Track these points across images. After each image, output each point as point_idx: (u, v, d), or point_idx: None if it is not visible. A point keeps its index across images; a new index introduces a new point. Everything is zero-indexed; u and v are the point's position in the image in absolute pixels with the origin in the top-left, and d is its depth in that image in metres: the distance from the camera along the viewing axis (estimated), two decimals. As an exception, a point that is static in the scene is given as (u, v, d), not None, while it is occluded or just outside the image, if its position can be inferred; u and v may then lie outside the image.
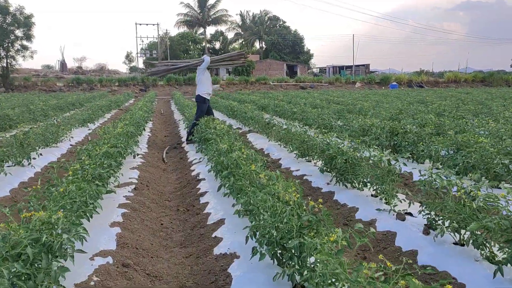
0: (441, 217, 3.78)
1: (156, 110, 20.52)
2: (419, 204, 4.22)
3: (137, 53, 58.91)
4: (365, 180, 5.09)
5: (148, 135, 11.13)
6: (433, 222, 3.88)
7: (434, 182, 3.96)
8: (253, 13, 79.81)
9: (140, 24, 47.45)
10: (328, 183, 5.83)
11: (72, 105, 18.10)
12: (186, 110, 13.30)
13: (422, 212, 3.98)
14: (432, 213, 3.89)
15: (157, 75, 10.92)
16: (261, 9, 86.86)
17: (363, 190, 5.21)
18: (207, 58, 9.45)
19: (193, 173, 6.84)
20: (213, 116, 9.92)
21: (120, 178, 5.87)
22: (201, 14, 64.93)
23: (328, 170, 6.05)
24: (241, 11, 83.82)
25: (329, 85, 38.87)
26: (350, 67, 61.41)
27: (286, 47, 74.38)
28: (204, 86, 9.47)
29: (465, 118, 9.93)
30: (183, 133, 11.31)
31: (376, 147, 7.96)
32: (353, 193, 5.27)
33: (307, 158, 7.36)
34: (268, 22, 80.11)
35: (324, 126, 10.44)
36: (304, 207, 3.11)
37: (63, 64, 60.21)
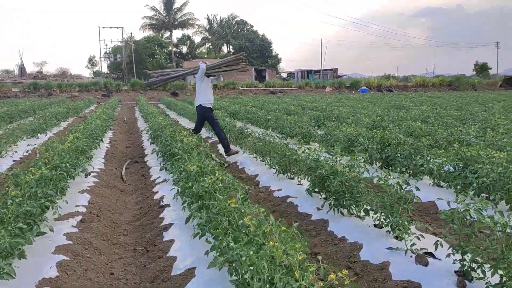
0: (481, 264, 2.89)
1: (119, 117, 19.16)
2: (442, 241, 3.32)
3: (100, 57, 56.75)
4: (367, 207, 4.16)
5: (107, 147, 9.91)
6: (470, 270, 2.98)
7: (462, 213, 3.07)
8: (220, 17, 78.89)
9: (103, 27, 45.39)
10: (318, 208, 4.88)
11: (25, 112, 16.55)
12: (150, 118, 12.13)
13: (452, 256, 3.09)
14: (467, 257, 2.99)
15: (156, 85, 9.81)
16: (228, 13, 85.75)
17: (364, 219, 4.28)
18: (202, 66, 8.47)
19: (156, 196, 5.75)
20: (199, 132, 9.06)
21: (65, 207, 4.73)
22: (167, 17, 63.35)
23: (317, 191, 5.11)
24: (208, 15, 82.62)
25: (299, 90, 38.21)
26: (318, 71, 61.18)
27: (254, 51, 73.84)
28: (204, 95, 8.54)
29: (454, 125, 9.23)
30: (147, 144, 10.15)
31: (364, 159, 7.14)
32: (351, 222, 4.33)
33: (289, 175, 6.40)
34: (236, 26, 79.47)
35: (303, 135, 9.55)
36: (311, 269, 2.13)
37: (22, 68, 57.23)
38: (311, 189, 5.13)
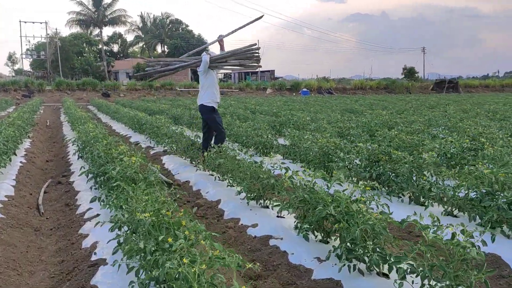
0: None
1: (40, 122, 16.74)
2: None
3: (21, 54, 52.02)
4: (402, 266, 2.87)
5: (22, 161, 7.93)
6: None
7: None
8: (154, 16, 75.88)
9: (26, 22, 41.29)
10: (320, 260, 3.53)
11: None
12: (78, 124, 10.20)
13: None
14: None
15: (153, 76, 7.92)
16: (162, 12, 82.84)
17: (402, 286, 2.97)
18: (205, 57, 6.98)
19: (86, 242, 4.11)
20: (210, 140, 7.39)
21: None
22: (96, 13, 59.34)
23: (312, 230, 3.78)
24: (141, 13, 79.25)
25: (240, 91, 36.98)
26: (255, 73, 60.49)
27: (189, 51, 71.59)
28: (208, 92, 7.14)
29: (432, 135, 8.32)
30: (74, 158, 8.30)
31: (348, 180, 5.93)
32: (376, 285, 3.02)
33: (262, 202, 5.01)
34: (170, 25, 77.08)
35: (263, 146, 8.20)
36: None
37: None
38: (305, 228, 3.77)
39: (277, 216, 4.62)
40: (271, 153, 8.33)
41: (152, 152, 9.35)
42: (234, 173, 5.61)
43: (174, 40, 70.51)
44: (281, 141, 9.42)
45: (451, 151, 6.20)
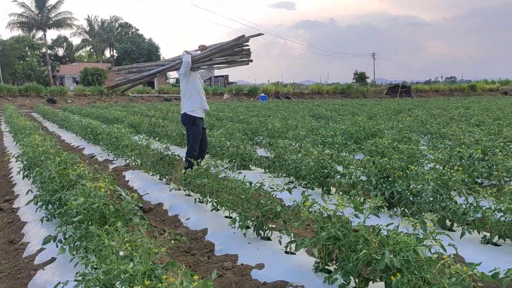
0: None
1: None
2: None
3: (-45, 57, 47.97)
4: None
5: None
6: None
7: None
8: (101, 19, 73.09)
9: (-41, 23, 37.82)
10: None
11: None
12: (22, 136, 8.82)
13: None
14: None
15: (126, 86, 6.50)
16: (110, 15, 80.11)
17: None
18: (186, 58, 5.87)
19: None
20: (206, 148, 6.52)
21: None
22: (39, 15, 56.04)
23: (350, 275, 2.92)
24: (88, 16, 76.14)
25: (196, 97, 35.83)
26: (209, 78, 59.42)
27: (141, 55, 69.95)
28: (192, 99, 6.01)
29: (432, 144, 7.72)
30: (17, 178, 7.00)
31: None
32: None
33: (262, 234, 4.08)
34: (119, 29, 74.68)
35: (241, 158, 7.29)
36: None
37: None
38: (339, 277, 2.89)
39: (286, 252, 3.72)
40: (250, 166, 7.45)
41: (111, 166, 8.17)
42: (221, 194, 4.68)
43: (124, 44, 68.23)
44: (260, 152, 8.55)
45: (465, 164, 5.55)
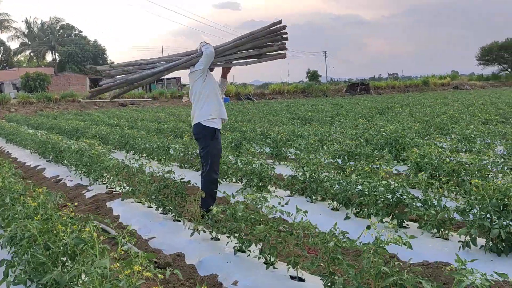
0: None
1: None
2: None
3: None
4: None
5: None
6: None
7: None
8: (41, 21, 68.86)
9: None
10: None
11: None
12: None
13: None
14: None
15: (121, 91, 4.75)
16: (51, 16, 75.58)
17: None
18: (208, 48, 4.50)
19: None
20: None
21: None
22: (-28, 17, 51.52)
23: None
24: (26, 18, 71.29)
25: (154, 101, 33.64)
26: (161, 80, 57.25)
27: (86, 58, 66.67)
28: (208, 105, 4.54)
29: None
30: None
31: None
32: None
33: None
34: (61, 31, 70.77)
35: (259, 178, 5.87)
36: None
37: None
38: None
39: None
40: (269, 187, 6.04)
41: (88, 194, 6.48)
42: (283, 247, 3.27)
43: (67, 47, 64.59)
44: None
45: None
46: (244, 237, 3.63)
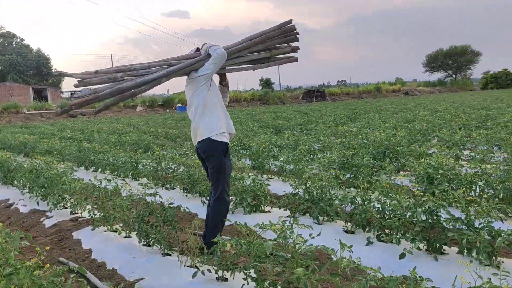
0: None
1: None
2: None
3: None
4: None
5: None
6: None
7: None
8: (-22, 29, 65.02)
9: None
10: None
11: None
12: None
13: None
14: None
15: (111, 102, 3.69)
16: (-11, 24, 71.53)
17: None
18: (218, 49, 3.79)
19: None
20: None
21: None
22: None
23: None
24: (-41, 26, 67.08)
25: (105, 111, 31.90)
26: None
27: (29, 68, 63.42)
28: (216, 117, 3.79)
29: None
30: None
31: None
32: None
33: None
34: (1, 39, 67.23)
35: (253, 197, 5.13)
36: None
37: None
38: None
39: None
40: (263, 206, 5.30)
41: (48, 222, 5.46)
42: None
43: (8, 56, 61.11)
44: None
45: None
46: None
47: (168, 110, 34.29)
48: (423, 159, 5.52)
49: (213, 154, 3.78)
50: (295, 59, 4.22)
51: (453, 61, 70.77)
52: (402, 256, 3.51)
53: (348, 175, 6.08)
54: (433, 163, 5.23)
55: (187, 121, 19.51)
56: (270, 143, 8.33)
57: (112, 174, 7.92)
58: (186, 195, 6.27)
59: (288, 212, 5.08)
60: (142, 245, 4.27)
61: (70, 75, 3.69)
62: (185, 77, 3.98)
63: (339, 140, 8.21)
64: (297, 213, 4.99)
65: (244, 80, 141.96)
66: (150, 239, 4.15)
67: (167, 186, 6.82)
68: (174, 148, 9.42)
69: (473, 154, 6.53)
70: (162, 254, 4.02)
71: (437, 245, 3.58)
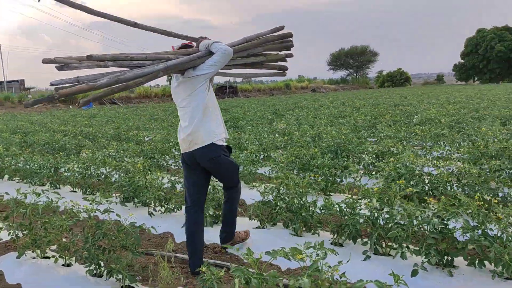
0: None
1: None
2: None
3: None
4: None
5: None
6: None
7: None
8: None
9: None
10: None
11: None
12: None
13: None
14: None
15: (103, 93, 3.14)
16: None
17: None
18: (223, 46, 3.38)
19: None
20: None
21: None
22: None
23: None
24: None
25: (-2, 107, 28.40)
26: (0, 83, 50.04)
27: None
28: (217, 120, 3.51)
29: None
30: None
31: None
32: None
33: None
34: None
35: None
36: None
37: None
38: None
39: None
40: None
41: None
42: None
43: None
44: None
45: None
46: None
47: (71, 107, 31.55)
48: (392, 159, 5.23)
49: (219, 160, 3.46)
50: (283, 74, 4.08)
51: (354, 60, 74.94)
52: (414, 273, 3.09)
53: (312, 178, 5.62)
54: (406, 162, 4.95)
55: (100, 118, 17.89)
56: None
57: (23, 181, 6.68)
58: (126, 205, 5.37)
59: (257, 223, 4.47)
60: (91, 275, 3.38)
61: (50, 60, 2.95)
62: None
63: (284, 138, 7.76)
64: (267, 224, 4.40)
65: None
66: (103, 268, 3.29)
67: (99, 194, 5.82)
68: (97, 149, 8.27)
69: (434, 152, 6.44)
70: (122, 287, 3.18)
71: (449, 258, 3.22)
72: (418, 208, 3.30)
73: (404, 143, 7.14)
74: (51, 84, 2.86)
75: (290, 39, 3.91)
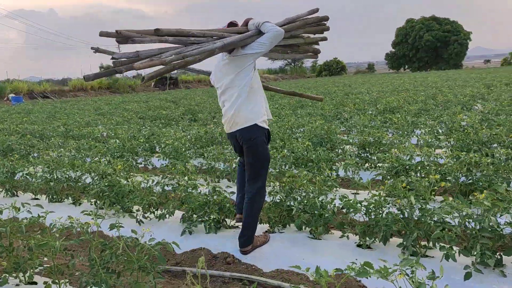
0: None
1: None
2: None
3: None
4: None
5: None
6: None
7: None
8: None
9: None
10: None
11: None
12: None
13: None
14: None
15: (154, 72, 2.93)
16: None
17: None
18: (274, 27, 3.27)
19: None
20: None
21: None
22: None
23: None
24: None
25: None
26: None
27: None
28: (260, 102, 3.44)
29: None
30: None
31: None
32: None
33: None
34: None
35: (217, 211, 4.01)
36: None
37: None
38: None
39: None
40: (227, 221, 4.19)
41: None
42: None
43: None
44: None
45: None
46: None
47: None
48: (392, 149, 5.02)
49: (258, 142, 3.39)
50: (317, 54, 3.98)
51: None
52: (468, 276, 2.87)
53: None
54: (407, 153, 4.76)
55: (37, 113, 16.45)
56: (184, 140, 7.05)
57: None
58: (106, 214, 4.74)
59: (266, 226, 4.08)
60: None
61: (108, 33, 2.86)
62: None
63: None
64: (276, 226, 4.02)
65: (89, 67, 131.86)
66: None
67: (69, 201, 5.15)
68: (52, 149, 7.40)
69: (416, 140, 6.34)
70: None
71: (498, 257, 3.02)
72: (464, 204, 3.06)
73: (390, 134, 7.01)
74: (113, 58, 2.79)
75: (326, 22, 3.76)
